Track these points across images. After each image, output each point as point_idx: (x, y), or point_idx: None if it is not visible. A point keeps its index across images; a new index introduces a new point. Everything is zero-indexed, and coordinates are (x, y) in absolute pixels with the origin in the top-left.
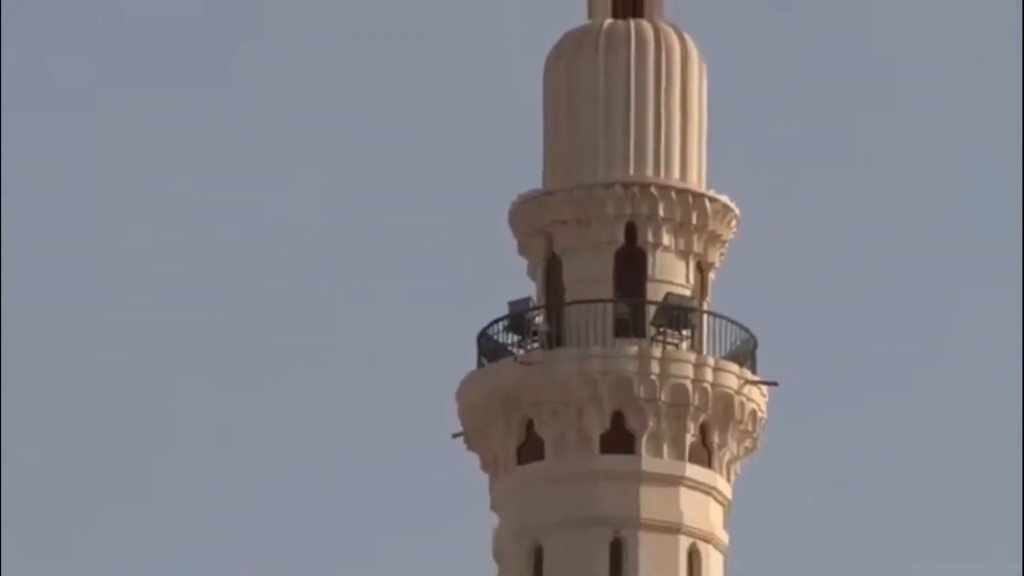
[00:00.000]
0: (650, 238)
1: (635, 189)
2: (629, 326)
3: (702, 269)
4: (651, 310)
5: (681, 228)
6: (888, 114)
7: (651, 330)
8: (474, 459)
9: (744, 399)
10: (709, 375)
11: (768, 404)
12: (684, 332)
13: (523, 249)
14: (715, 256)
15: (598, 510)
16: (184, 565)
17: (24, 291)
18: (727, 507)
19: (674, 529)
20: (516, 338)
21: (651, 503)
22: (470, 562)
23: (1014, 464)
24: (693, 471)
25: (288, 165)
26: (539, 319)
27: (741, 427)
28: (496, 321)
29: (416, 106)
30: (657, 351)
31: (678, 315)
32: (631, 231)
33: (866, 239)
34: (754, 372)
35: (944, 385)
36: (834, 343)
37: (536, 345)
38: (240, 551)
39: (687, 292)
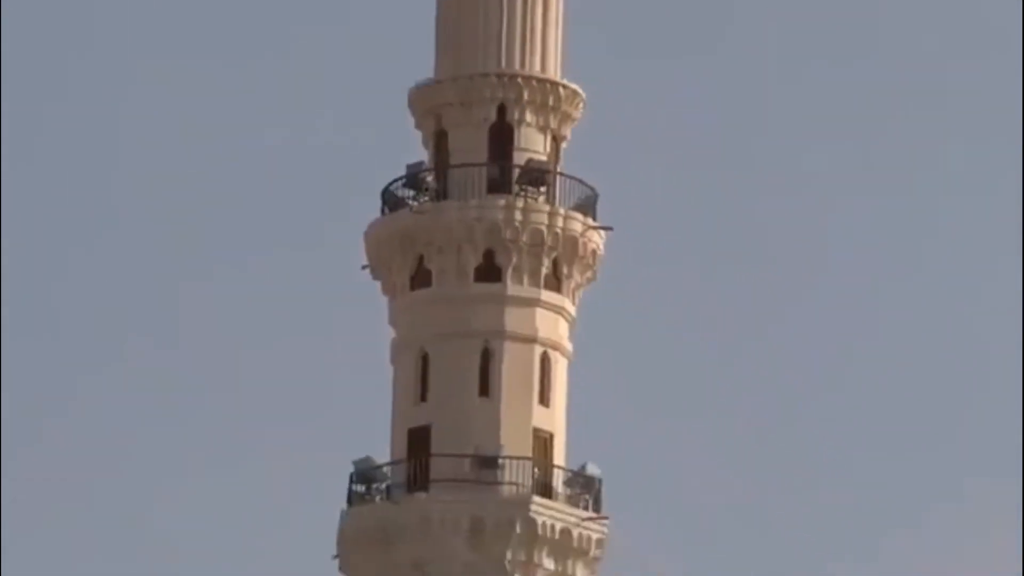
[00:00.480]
0: (516, 116)
1: (505, 78)
2: (499, 184)
3: (556, 140)
4: (516, 172)
5: (540, 109)
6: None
7: (516, 188)
8: (377, 286)
9: (587, 240)
10: (560, 222)
11: (605, 244)
12: (541, 189)
13: (419, 124)
14: (567, 130)
15: (472, 325)
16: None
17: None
18: (572, 323)
19: (531, 340)
20: (412, 193)
21: (513, 320)
22: (373, 363)
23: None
24: (547, 296)
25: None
26: (429, 178)
27: (584, 262)
28: (396, 180)
29: (338, 13)
30: (520, 204)
31: (537, 176)
32: (502, 111)
33: (695, 115)
34: (595, 220)
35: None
36: (662, 196)
37: (427, 198)
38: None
39: (544, 158)
